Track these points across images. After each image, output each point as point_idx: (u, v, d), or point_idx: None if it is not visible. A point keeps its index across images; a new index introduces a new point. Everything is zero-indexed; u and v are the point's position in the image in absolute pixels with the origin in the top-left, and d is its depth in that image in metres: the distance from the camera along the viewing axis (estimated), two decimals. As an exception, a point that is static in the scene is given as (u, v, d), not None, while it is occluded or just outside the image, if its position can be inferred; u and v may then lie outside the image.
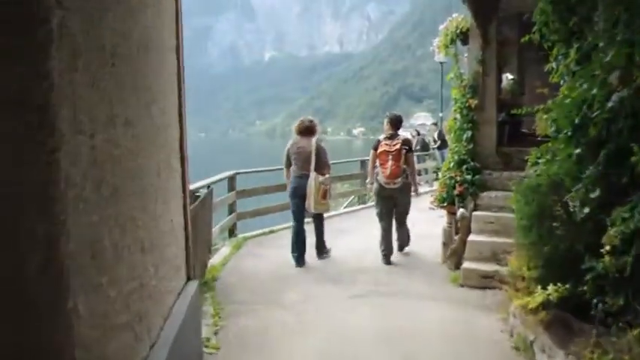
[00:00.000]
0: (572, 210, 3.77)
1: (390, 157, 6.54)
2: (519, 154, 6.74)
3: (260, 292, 5.83)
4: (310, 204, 6.58)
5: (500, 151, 6.77)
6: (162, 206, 3.13)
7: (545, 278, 3.67)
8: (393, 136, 6.72)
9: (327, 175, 6.63)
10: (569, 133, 3.65)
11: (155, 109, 3.00)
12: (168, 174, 3.36)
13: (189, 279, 4.01)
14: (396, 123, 6.88)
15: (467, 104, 6.59)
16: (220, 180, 8.11)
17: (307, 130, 6.70)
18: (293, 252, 6.83)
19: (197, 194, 5.69)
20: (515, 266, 4.28)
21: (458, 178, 6.52)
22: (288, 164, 6.78)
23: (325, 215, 8.69)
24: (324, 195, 6.61)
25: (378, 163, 6.70)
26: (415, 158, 8.68)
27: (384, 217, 6.90)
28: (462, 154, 6.56)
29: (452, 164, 6.67)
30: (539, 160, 4.34)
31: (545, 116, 4.18)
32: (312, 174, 6.49)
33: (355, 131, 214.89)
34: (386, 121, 6.94)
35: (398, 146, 6.56)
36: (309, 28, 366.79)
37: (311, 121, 6.82)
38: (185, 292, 3.76)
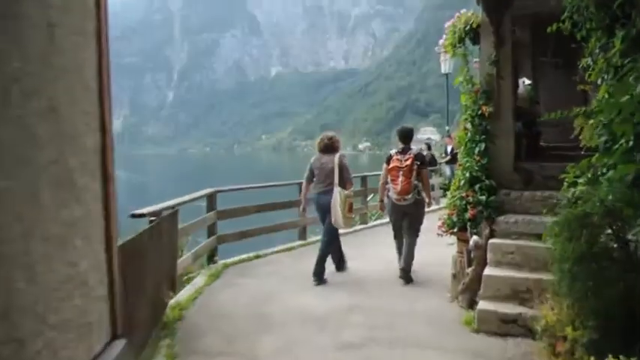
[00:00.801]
0: (632, 249, 2.75)
1: (401, 172, 6.27)
2: (541, 170, 5.73)
3: (231, 337, 4.79)
4: (337, 219, 6.41)
5: (518, 167, 5.75)
6: (47, 247, 2.10)
7: (600, 345, 2.63)
8: (405, 151, 6.44)
9: (349, 190, 6.60)
10: (631, 143, 2.62)
11: (37, 108, 1.98)
12: (67, 200, 2.33)
13: (115, 337, 2.99)
14: (406, 137, 6.63)
15: (479, 112, 5.57)
16: (195, 199, 7.13)
17: (328, 148, 6.69)
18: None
19: (152, 219, 4.69)
20: (551, 320, 3.23)
21: (470, 199, 5.49)
22: (310, 179, 6.76)
23: (317, 238, 8.09)
24: (350, 208, 6.54)
25: (389, 179, 6.46)
26: None
27: (399, 235, 6.68)
28: (474, 170, 5.53)
29: (462, 182, 5.64)
30: (579, 180, 3.31)
31: (591, 121, 3.15)
32: (337, 188, 6.42)
33: (361, 146, 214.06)
34: (397, 135, 6.76)
35: (409, 161, 6.29)
36: (315, 44, 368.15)
37: (330, 138, 6.76)
38: (103, 357, 2.73)
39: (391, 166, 6.42)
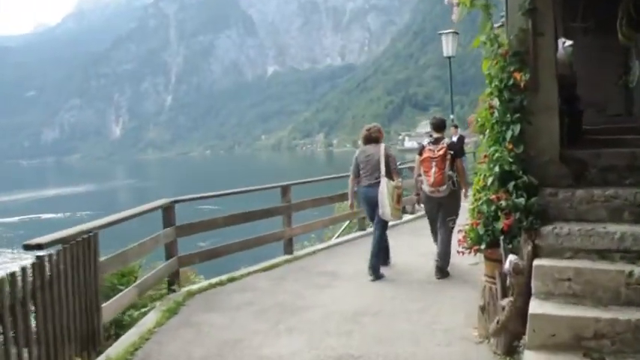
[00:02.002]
0: None
1: (434, 163, 6.04)
2: (597, 159, 4.20)
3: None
4: (385, 211, 6.18)
5: (566, 156, 4.21)
6: None
7: None
8: (437, 141, 6.20)
9: (399, 179, 6.44)
10: None
11: None
12: None
13: None
14: (438, 126, 6.40)
15: (510, 82, 4.03)
16: (146, 212, 5.63)
17: (368, 139, 6.58)
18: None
19: (40, 255, 3.16)
20: None
21: (502, 204, 3.95)
22: (357, 173, 6.61)
23: (307, 251, 7.49)
24: (399, 199, 6.33)
25: (422, 171, 6.26)
26: None
27: (435, 228, 6.45)
28: (505, 162, 3.98)
29: (490, 180, 4.09)
30: None
31: None
32: (384, 180, 6.23)
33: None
34: (430, 125, 6.59)
35: (442, 151, 6.02)
36: (310, 41, 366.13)
37: (369, 129, 6.64)
38: None
39: (423, 157, 6.17)
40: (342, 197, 9.35)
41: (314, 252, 7.78)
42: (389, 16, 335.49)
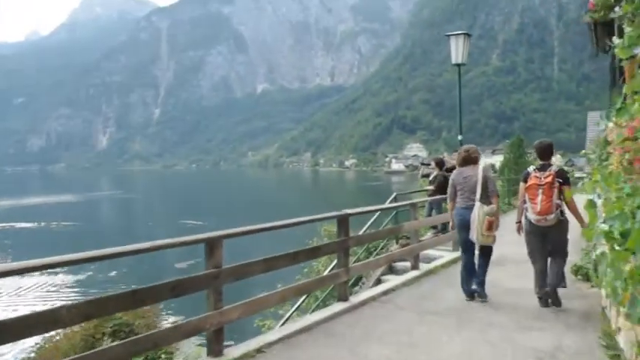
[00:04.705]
0: None
1: (540, 190, 5.71)
2: None
3: None
4: (474, 235, 6.09)
5: None
6: None
7: None
8: (544, 167, 5.85)
9: (492, 205, 6.19)
10: None
11: None
12: None
13: None
14: (544, 152, 6.00)
15: None
16: None
17: (470, 159, 6.36)
18: (463, 286, 6.34)
19: None
20: None
21: None
22: (453, 195, 6.44)
23: (247, 350, 4.53)
24: (489, 226, 6.10)
25: (527, 198, 5.92)
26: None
27: (538, 258, 5.99)
28: None
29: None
30: None
31: None
32: (477, 204, 6.12)
33: (347, 162, 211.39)
34: (535, 151, 6.28)
35: (550, 179, 5.67)
36: (301, 60, 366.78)
37: (467, 151, 6.42)
38: None
39: (529, 183, 5.88)
40: (313, 252, 6.55)
41: (258, 350, 4.72)
42: (379, 39, 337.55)
